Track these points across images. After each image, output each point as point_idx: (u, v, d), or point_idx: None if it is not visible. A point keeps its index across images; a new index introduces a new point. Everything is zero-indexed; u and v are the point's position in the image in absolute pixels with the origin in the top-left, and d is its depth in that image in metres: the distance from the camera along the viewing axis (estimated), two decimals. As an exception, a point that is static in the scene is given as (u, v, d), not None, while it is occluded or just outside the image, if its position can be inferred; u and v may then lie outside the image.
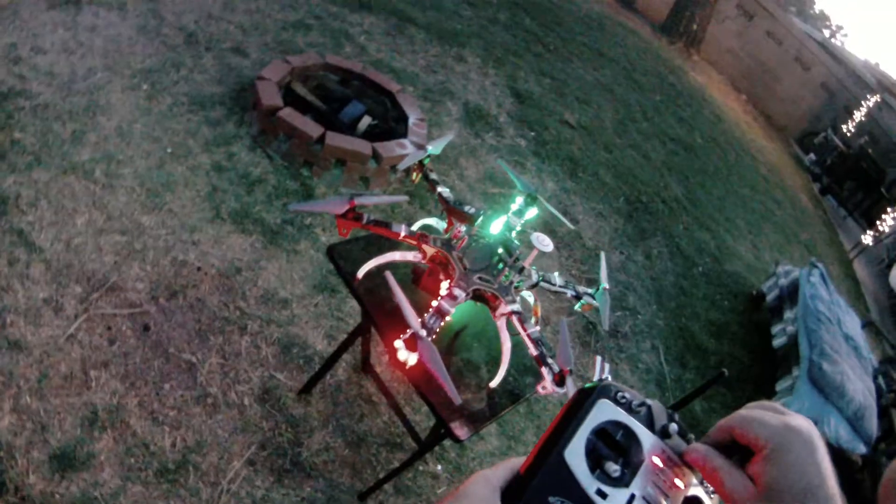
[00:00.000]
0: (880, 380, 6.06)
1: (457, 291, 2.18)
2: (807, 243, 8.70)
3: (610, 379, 1.16)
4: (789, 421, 0.69)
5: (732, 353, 5.47)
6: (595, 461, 0.78)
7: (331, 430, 3.08)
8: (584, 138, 6.85)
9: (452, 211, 2.55)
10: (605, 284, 2.62)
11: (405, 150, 4.50)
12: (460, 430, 2.23)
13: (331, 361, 3.00)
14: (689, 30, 12.59)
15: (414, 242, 2.33)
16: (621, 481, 0.77)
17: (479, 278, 2.28)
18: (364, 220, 2.24)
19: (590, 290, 2.58)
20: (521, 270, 2.37)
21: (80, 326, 2.92)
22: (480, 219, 2.49)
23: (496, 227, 2.49)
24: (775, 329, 5.58)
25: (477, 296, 2.30)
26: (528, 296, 2.55)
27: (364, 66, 5.32)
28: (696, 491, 0.83)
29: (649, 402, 0.93)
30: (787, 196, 9.84)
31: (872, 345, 6.93)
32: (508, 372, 2.41)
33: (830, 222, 10.65)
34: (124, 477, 2.54)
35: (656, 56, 11.19)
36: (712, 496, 0.82)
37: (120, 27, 4.80)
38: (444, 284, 2.24)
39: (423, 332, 1.98)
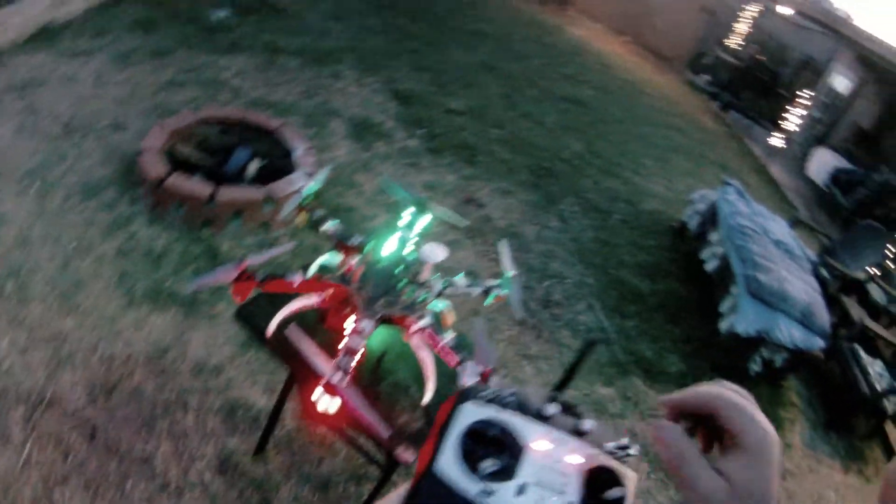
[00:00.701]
0: (822, 272, 6.21)
1: (362, 324, 2.15)
2: (718, 162, 8.87)
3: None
4: (768, 425, 0.68)
5: (669, 289, 5.55)
6: (473, 464, 0.77)
7: (295, 481, 3.04)
8: (474, 122, 6.87)
9: (341, 245, 2.51)
10: (510, 272, 2.58)
11: (296, 186, 4.44)
12: (406, 455, 2.21)
13: (275, 415, 2.96)
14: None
15: (310, 288, 2.30)
16: (505, 474, 0.76)
17: (384, 303, 2.25)
18: (258, 279, 2.22)
19: (496, 282, 2.56)
20: (422, 284, 2.34)
21: (30, 450, 2.83)
22: (370, 245, 2.44)
23: (390, 246, 2.45)
24: (704, 254, 5.68)
25: (385, 321, 2.27)
26: (443, 304, 2.49)
27: (242, 110, 5.28)
28: (603, 460, 0.82)
29: (519, 390, 0.92)
30: (688, 122, 10.01)
31: (807, 241, 7.09)
32: (441, 383, 2.34)
33: (737, 135, 10.85)
34: None
35: (531, 21, 11.28)
36: (624, 461, 0.81)
37: (-5, 134, 4.68)
38: (350, 320, 2.20)
39: (337, 377, 1.95)
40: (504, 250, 2.71)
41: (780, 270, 5.00)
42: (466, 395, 0.88)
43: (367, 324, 2.16)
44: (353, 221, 4.83)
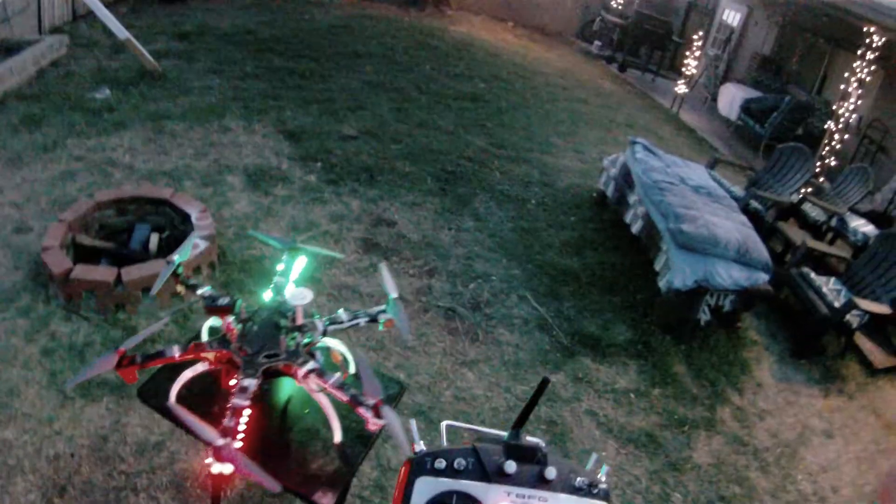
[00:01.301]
0: (753, 204, 6.11)
1: (245, 382, 2.11)
2: (627, 123, 8.82)
3: (423, 446, 1.16)
4: None
5: (601, 261, 5.44)
6: None
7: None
8: (370, 143, 6.72)
9: (209, 309, 2.39)
10: (392, 294, 2.53)
11: (199, 248, 4.41)
12: (325, 499, 2.14)
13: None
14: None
15: (192, 356, 2.25)
16: None
17: (265, 356, 2.21)
18: (139, 361, 2.19)
19: (380, 308, 2.51)
20: (300, 328, 2.33)
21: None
22: (239, 303, 2.37)
23: (266, 296, 2.50)
24: (628, 217, 5.58)
25: (272, 373, 2.24)
26: (332, 342, 2.48)
27: (133, 186, 5.23)
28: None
29: (475, 446, 0.96)
30: (589, 91, 10.00)
31: (733, 178, 7.01)
32: (349, 419, 2.33)
33: (642, 92, 10.83)
34: None
35: (411, 30, 11.17)
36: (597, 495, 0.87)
37: None
38: (233, 381, 2.17)
39: (221, 441, 1.86)
40: (384, 273, 2.65)
41: (705, 216, 4.90)
42: (419, 468, 0.92)
43: (248, 381, 2.12)
44: (263, 271, 4.66)
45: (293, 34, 9.74)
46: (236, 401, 2.04)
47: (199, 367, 2.30)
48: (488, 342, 4.30)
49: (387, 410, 1.97)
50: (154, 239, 4.66)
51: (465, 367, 4.08)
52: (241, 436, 1.99)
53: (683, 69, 10.40)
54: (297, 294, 2.34)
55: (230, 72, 8.29)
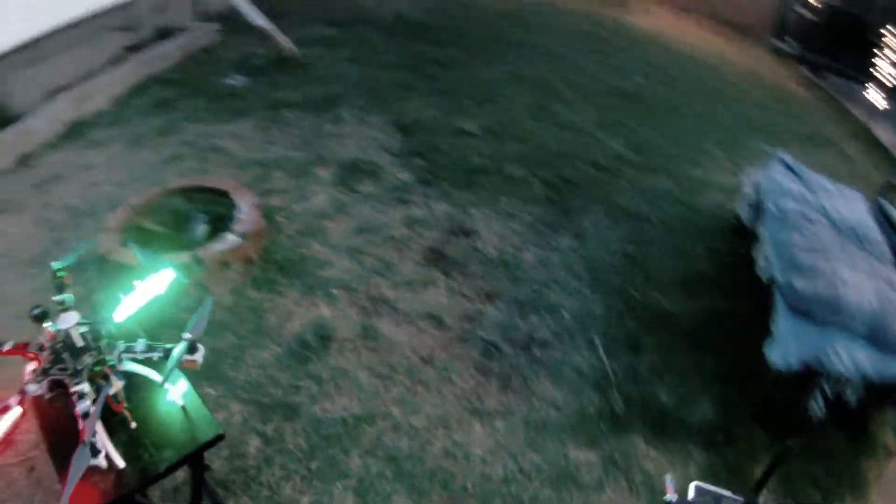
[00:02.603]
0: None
1: (30, 386, 2.09)
2: (806, 135, 7.42)
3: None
4: None
5: (710, 307, 4.37)
6: None
7: None
8: (487, 141, 6.05)
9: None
10: (185, 334, 2.20)
11: (226, 245, 4.33)
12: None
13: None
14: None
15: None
16: None
17: (59, 368, 2.12)
18: None
19: (175, 345, 2.21)
20: (81, 351, 2.16)
21: None
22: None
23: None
24: (756, 253, 4.37)
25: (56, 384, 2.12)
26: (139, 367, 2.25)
27: (199, 177, 5.36)
28: None
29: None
30: (771, 95, 8.57)
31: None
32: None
33: (835, 99, 9.18)
34: None
35: (582, 18, 10.18)
36: None
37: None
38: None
39: None
40: (202, 312, 2.25)
41: (836, 268, 3.63)
42: None
43: (34, 386, 2.08)
44: (303, 273, 4.34)
45: (452, 22, 9.27)
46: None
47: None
48: (520, 392, 3.54)
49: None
50: (202, 229, 4.61)
51: (476, 418, 3.37)
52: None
53: (880, 74, 8.65)
54: (63, 318, 2.17)
55: (369, 60, 7.97)
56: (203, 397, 3.35)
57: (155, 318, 2.39)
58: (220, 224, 4.68)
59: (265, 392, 3.49)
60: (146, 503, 2.41)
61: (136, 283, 2.35)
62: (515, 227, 4.88)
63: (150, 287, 2.35)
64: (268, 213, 4.86)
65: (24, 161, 6.16)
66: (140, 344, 2.24)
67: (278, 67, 7.81)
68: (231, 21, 9.01)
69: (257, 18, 7.96)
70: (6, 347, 2.16)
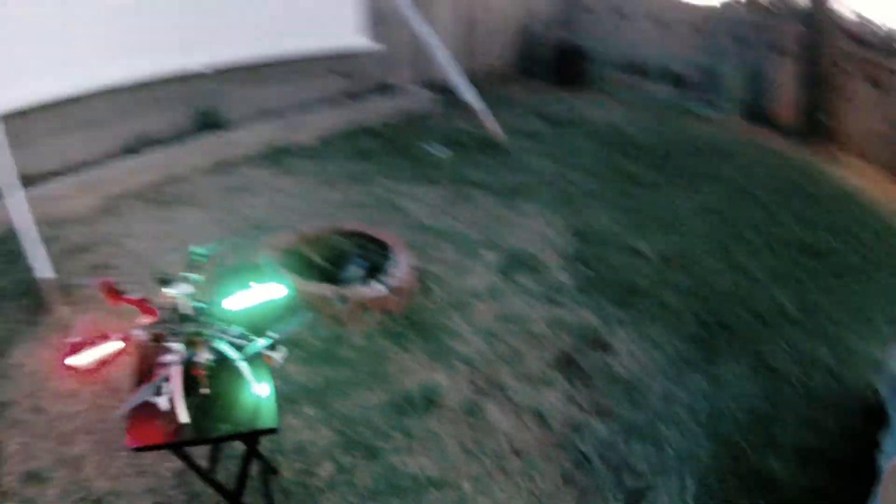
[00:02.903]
0: None
1: (136, 332, 2.63)
2: None
3: None
4: None
5: (821, 488, 4.11)
6: None
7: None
8: (656, 265, 6.10)
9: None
10: (271, 333, 2.74)
11: (372, 291, 4.86)
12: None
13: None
14: (822, 125, 10.76)
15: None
16: None
17: (164, 326, 2.63)
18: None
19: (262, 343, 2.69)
20: (186, 319, 2.61)
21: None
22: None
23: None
24: (883, 439, 4.08)
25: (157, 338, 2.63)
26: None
27: (366, 225, 5.84)
28: None
29: None
30: None
31: None
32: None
33: None
34: None
35: (785, 164, 9.85)
36: None
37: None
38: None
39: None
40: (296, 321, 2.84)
41: None
42: None
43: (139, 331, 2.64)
44: (441, 337, 4.77)
45: (661, 143, 9.39)
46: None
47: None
48: None
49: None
50: (356, 272, 5.17)
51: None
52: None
53: None
54: (181, 286, 2.65)
55: (568, 161, 8.33)
56: (298, 413, 3.73)
57: (256, 320, 2.81)
58: (373, 273, 5.12)
59: (357, 429, 3.88)
60: (194, 463, 2.76)
61: (252, 284, 2.82)
62: (654, 355, 4.89)
63: (263, 292, 2.82)
64: (422, 277, 5.25)
65: (221, 167, 7.32)
66: (234, 330, 2.69)
67: (480, 148, 8.31)
68: (449, 94, 9.67)
69: (471, 98, 8.51)
70: (133, 297, 2.65)
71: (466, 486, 3.59)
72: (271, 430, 2.60)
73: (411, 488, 3.54)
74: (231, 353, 2.64)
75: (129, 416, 2.52)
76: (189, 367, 2.56)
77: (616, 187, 7.69)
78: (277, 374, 3.60)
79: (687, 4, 11.96)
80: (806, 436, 4.48)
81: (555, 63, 12.58)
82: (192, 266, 2.78)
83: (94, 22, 7.64)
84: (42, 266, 5.09)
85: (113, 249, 5.87)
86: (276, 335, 2.71)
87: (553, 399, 4.29)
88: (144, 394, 2.52)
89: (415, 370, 4.40)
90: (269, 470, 3.52)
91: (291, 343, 4.37)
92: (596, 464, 3.84)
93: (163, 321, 2.64)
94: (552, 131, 9.53)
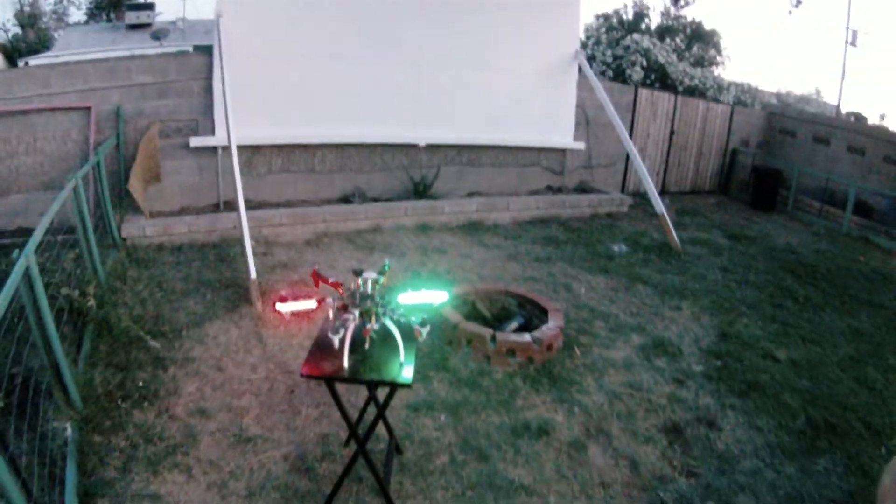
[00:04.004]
0: None
1: (329, 300, 3.67)
2: None
3: None
4: None
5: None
6: None
7: None
8: (785, 370, 6.43)
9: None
10: (424, 317, 3.63)
11: (519, 339, 5.81)
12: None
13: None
14: None
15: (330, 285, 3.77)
16: None
17: (350, 299, 3.63)
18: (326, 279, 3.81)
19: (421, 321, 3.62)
20: (365, 298, 3.57)
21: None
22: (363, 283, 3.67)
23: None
24: None
25: (343, 308, 3.61)
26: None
27: (535, 294, 6.74)
28: None
29: None
30: None
31: None
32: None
33: None
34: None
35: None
36: None
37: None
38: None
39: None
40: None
41: None
42: None
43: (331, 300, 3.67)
44: (569, 389, 5.59)
45: (830, 266, 9.47)
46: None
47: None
48: None
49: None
50: (513, 326, 6.24)
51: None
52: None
53: None
54: (368, 274, 3.60)
55: (737, 273, 8.74)
56: (433, 417, 4.71)
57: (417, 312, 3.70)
58: (526, 327, 6.11)
59: (476, 438, 4.81)
60: (340, 400, 3.62)
61: (424, 290, 3.81)
62: (755, 440, 5.30)
63: (428, 296, 3.79)
64: (571, 342, 6.11)
65: (422, 229, 8.86)
66: (399, 312, 3.62)
67: (657, 252, 8.99)
68: (642, 201, 10.43)
69: (660, 208, 9.27)
70: (332, 280, 3.72)
71: (552, 499, 4.34)
72: (406, 385, 3.36)
73: (505, 489, 4.33)
74: (392, 327, 3.50)
75: (309, 353, 3.49)
76: (360, 330, 3.50)
77: (774, 301, 8.01)
78: (427, 389, 4.99)
79: (886, 132, 11.98)
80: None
81: (753, 185, 12.99)
82: (380, 272, 3.78)
83: (336, 88, 9.44)
84: (250, 270, 6.58)
85: (309, 270, 7.14)
86: (424, 316, 3.63)
87: (650, 454, 4.91)
88: (324, 330, 3.57)
89: (538, 407, 5.26)
90: (396, 448, 4.39)
91: (444, 369, 5.49)
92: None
93: (351, 296, 3.55)
94: (730, 246, 9.99)
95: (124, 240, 7.58)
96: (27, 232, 4.81)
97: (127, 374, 5.05)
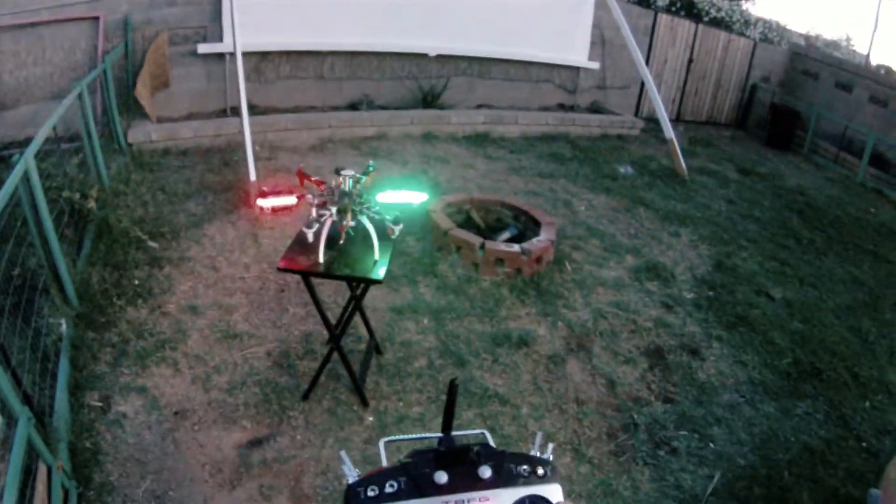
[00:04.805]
0: None
1: (308, 196, 3.49)
2: None
3: (355, 475, 1.16)
4: None
5: None
6: None
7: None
8: (778, 310, 6.01)
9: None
10: (397, 214, 3.52)
11: (508, 248, 5.46)
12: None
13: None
14: None
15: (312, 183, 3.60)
16: None
17: (329, 196, 3.47)
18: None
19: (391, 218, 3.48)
20: (344, 195, 3.39)
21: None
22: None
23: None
24: None
25: (322, 205, 3.43)
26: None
27: (529, 206, 6.39)
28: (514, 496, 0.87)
29: (404, 462, 0.93)
30: None
31: None
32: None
33: None
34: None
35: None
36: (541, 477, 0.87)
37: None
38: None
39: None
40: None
41: None
42: (353, 502, 0.92)
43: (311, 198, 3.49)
44: (556, 303, 5.25)
45: (838, 212, 8.92)
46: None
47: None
48: (614, 469, 3.89)
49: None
50: (505, 236, 5.92)
51: (571, 454, 3.84)
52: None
53: None
54: (347, 171, 3.42)
55: (742, 207, 8.29)
56: (416, 322, 4.42)
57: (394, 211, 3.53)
58: (517, 238, 5.74)
59: (456, 343, 4.55)
60: (316, 295, 3.59)
61: (403, 190, 3.69)
62: (738, 374, 4.95)
63: (407, 196, 3.69)
64: (560, 256, 5.73)
65: (427, 139, 8.55)
66: (374, 209, 3.45)
67: (664, 178, 8.53)
68: (654, 125, 9.93)
69: (670, 133, 8.77)
70: (315, 178, 3.52)
71: (524, 409, 4.06)
72: (377, 281, 3.33)
73: (480, 396, 4.10)
74: (368, 224, 3.38)
75: (288, 248, 3.43)
76: (337, 226, 3.38)
77: (776, 240, 7.53)
78: (414, 294, 4.78)
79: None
80: (848, 487, 4.53)
81: (770, 122, 12.40)
82: (364, 173, 3.54)
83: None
84: (251, 173, 6.34)
85: (312, 175, 7.16)
86: (397, 213, 3.45)
87: (629, 375, 4.58)
88: (301, 228, 3.38)
89: (521, 318, 4.93)
90: (376, 348, 4.28)
91: (431, 274, 5.18)
92: (641, 432, 4.13)
93: (329, 194, 3.41)
94: (739, 180, 9.49)
95: (130, 145, 7.23)
96: (35, 141, 4.66)
97: (124, 273, 4.93)
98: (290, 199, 3.47)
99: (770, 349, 5.41)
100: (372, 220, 3.41)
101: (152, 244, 5.37)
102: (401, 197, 3.66)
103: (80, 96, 5.49)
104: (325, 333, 4.31)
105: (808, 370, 5.32)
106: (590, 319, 5.10)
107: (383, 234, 3.44)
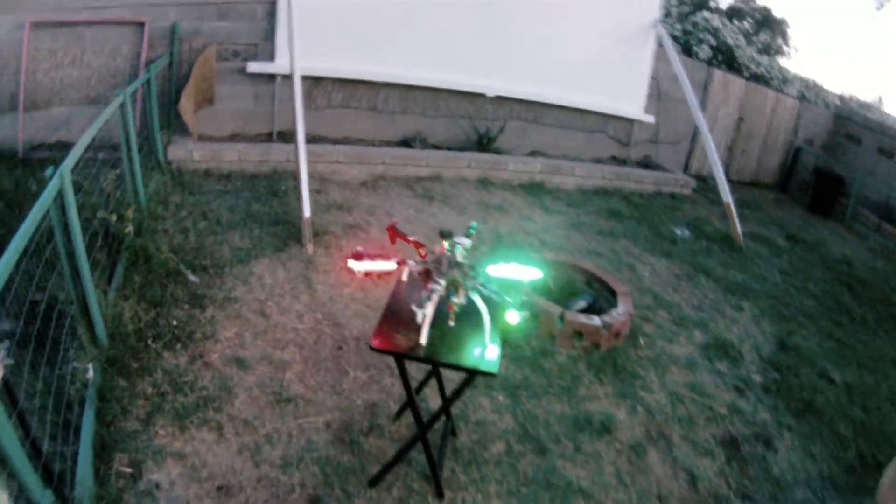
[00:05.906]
0: None
1: (411, 262, 3.06)
2: None
3: None
4: None
5: None
6: None
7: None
8: (839, 394, 5.83)
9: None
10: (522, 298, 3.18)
11: (589, 321, 5.18)
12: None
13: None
14: None
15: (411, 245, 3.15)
16: None
17: (435, 265, 3.02)
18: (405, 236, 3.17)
19: (511, 301, 2.91)
20: (453, 265, 2.98)
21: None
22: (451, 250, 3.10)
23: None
24: None
25: (425, 274, 2.98)
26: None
27: (604, 272, 6.14)
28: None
29: None
30: None
31: None
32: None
33: None
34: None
35: None
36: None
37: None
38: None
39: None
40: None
41: None
42: None
43: (414, 264, 3.07)
44: (632, 383, 5.10)
45: (886, 286, 8.73)
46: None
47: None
48: None
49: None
50: (580, 305, 5.70)
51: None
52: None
53: None
54: (459, 239, 3.04)
55: (796, 279, 8.13)
56: (491, 397, 4.36)
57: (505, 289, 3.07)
58: (594, 308, 5.51)
59: (535, 427, 4.27)
60: (407, 381, 3.09)
61: (515, 264, 3.25)
62: (808, 468, 4.80)
63: (520, 271, 3.25)
64: (635, 330, 5.61)
65: (483, 183, 8.26)
66: (491, 287, 2.95)
67: (719, 242, 8.39)
68: (709, 185, 9.78)
69: (727, 196, 8.64)
70: (413, 238, 3.03)
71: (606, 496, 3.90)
72: (490, 374, 2.81)
73: (562, 490, 3.81)
74: (481, 303, 2.91)
75: (380, 322, 2.92)
76: (445, 303, 2.89)
77: (831, 317, 7.32)
78: None
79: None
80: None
81: (813, 187, 12.22)
82: (467, 234, 3.12)
83: (406, 27, 8.37)
84: (305, 208, 5.68)
85: (365, 215, 6.65)
86: (523, 298, 3.06)
87: (708, 468, 4.44)
88: (404, 293, 3.04)
89: (601, 400, 4.74)
90: (452, 431, 3.82)
91: (504, 343, 5.02)
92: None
93: (435, 262, 2.92)
94: (789, 248, 9.34)
95: (169, 163, 6.74)
96: (66, 146, 4.09)
97: (161, 310, 4.34)
98: (389, 265, 2.97)
99: (836, 440, 5.25)
100: (483, 297, 2.93)
101: (193, 279, 4.82)
102: (512, 272, 3.19)
103: (122, 106, 4.98)
104: (393, 406, 3.99)
105: (871, 463, 5.17)
106: (667, 404, 4.97)
107: (493, 316, 2.96)
